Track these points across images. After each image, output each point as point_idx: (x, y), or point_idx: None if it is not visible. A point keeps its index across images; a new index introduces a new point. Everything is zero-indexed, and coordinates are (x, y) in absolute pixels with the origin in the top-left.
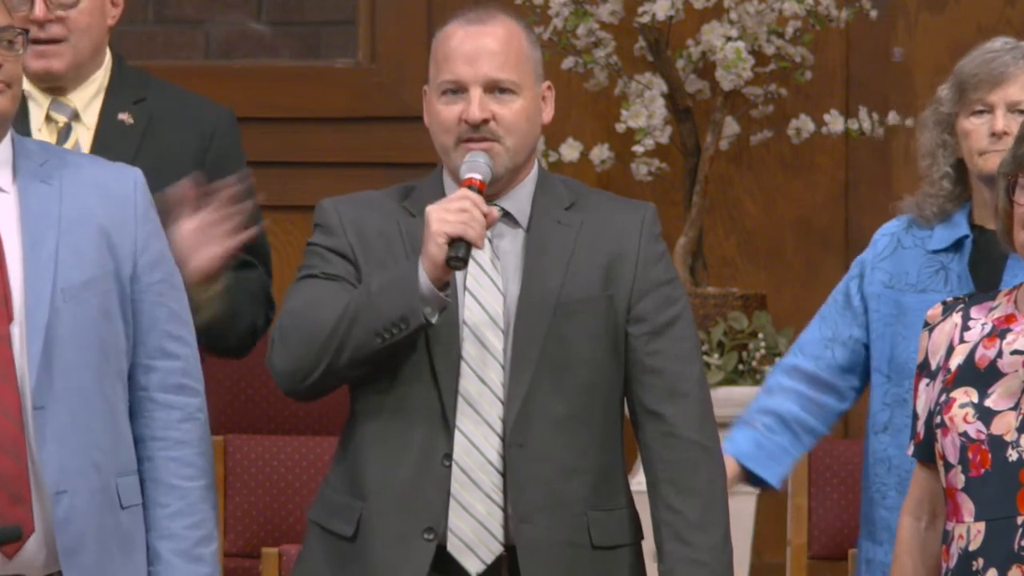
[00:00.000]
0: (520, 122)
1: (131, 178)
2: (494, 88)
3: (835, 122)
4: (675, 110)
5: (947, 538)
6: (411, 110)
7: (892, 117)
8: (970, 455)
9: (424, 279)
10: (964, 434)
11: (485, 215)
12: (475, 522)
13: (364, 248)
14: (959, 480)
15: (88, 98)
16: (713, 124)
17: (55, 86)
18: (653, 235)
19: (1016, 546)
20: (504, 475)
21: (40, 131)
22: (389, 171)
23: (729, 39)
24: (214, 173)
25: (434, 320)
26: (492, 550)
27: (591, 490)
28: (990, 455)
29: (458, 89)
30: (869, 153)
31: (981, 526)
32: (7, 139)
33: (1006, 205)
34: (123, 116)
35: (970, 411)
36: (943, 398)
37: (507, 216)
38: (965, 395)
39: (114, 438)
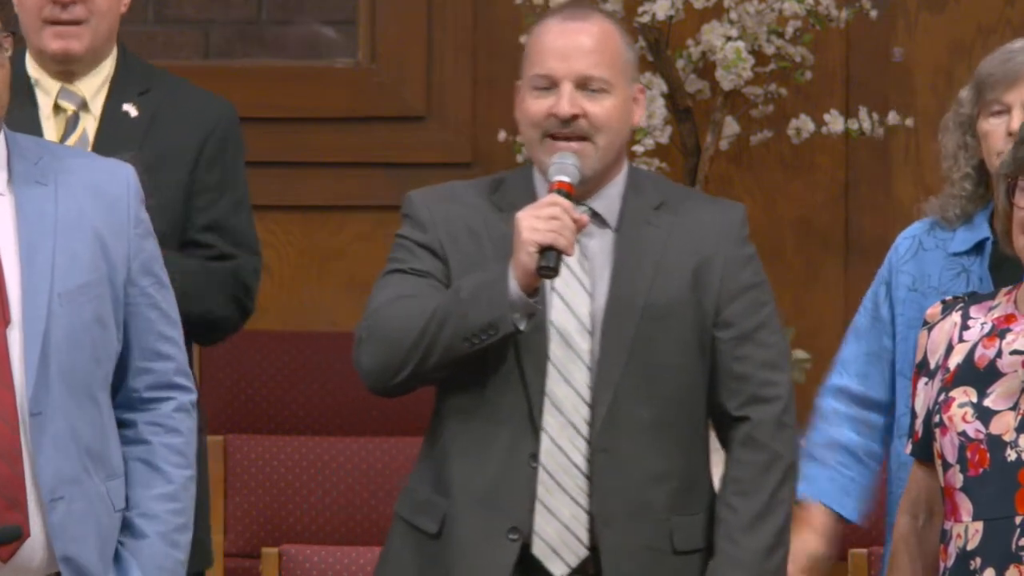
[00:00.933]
0: (611, 121)
1: (123, 177)
2: (586, 85)
3: (835, 122)
4: (675, 110)
5: (945, 537)
6: (411, 110)
7: (892, 117)
8: (969, 455)
9: (514, 286)
10: (963, 433)
11: (575, 221)
12: (560, 525)
13: (453, 245)
14: (958, 479)
15: (96, 87)
16: (713, 124)
17: (68, 70)
18: (742, 237)
19: (1014, 546)
20: (589, 478)
21: (48, 120)
22: (389, 171)
23: (729, 39)
24: (210, 166)
25: (523, 327)
26: (577, 553)
27: (675, 495)
28: (989, 455)
29: (549, 84)
30: (869, 153)
31: (979, 526)
32: (0, 139)
33: (1006, 207)
34: (128, 107)
35: (969, 411)
36: (942, 397)
37: (596, 216)
38: (964, 394)
39: (103, 443)
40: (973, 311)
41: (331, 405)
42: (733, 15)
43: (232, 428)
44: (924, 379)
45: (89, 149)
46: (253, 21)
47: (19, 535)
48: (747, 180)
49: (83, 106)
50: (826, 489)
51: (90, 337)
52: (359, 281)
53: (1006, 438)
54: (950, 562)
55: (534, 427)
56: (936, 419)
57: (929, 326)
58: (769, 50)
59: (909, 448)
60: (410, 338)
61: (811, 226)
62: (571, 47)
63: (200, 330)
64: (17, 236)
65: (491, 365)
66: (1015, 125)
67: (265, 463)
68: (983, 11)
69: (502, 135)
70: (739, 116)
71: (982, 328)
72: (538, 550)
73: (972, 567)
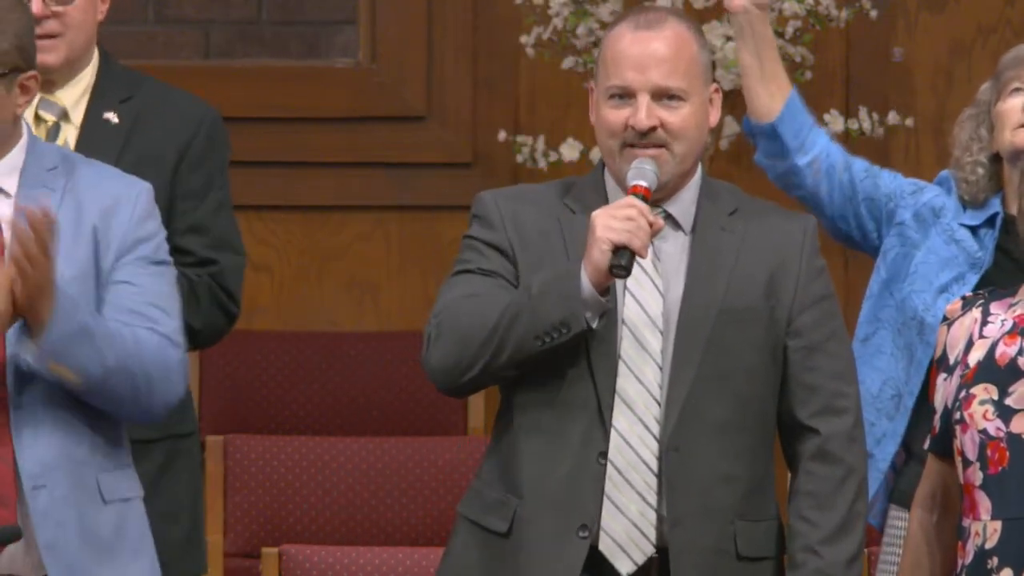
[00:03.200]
0: (688, 129)
1: (136, 188)
2: (662, 95)
3: (835, 122)
4: None
5: (964, 534)
6: (411, 110)
7: (892, 117)
8: (989, 452)
9: (586, 284)
10: (983, 431)
11: (651, 224)
12: (628, 522)
13: (523, 245)
14: (977, 477)
15: (76, 96)
16: None
17: (46, 79)
18: (814, 249)
19: None
20: (659, 477)
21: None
22: (389, 171)
23: (729, 39)
24: (193, 169)
25: (595, 325)
26: (644, 551)
27: (742, 498)
28: (1008, 453)
29: (625, 94)
30: (869, 153)
31: (997, 525)
32: (21, 145)
33: None
34: (108, 115)
35: (990, 408)
36: (963, 394)
37: (670, 219)
38: (985, 392)
39: (97, 434)
40: (994, 307)
41: (331, 405)
42: None
43: (232, 428)
44: (943, 374)
45: (72, 148)
46: (253, 21)
47: (19, 535)
48: (747, 180)
49: (64, 116)
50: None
51: None
52: (359, 281)
53: None
54: (968, 559)
55: (604, 424)
56: (957, 416)
57: (949, 322)
58: None
59: (927, 443)
60: (481, 335)
61: None
62: (647, 57)
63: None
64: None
65: (561, 363)
66: None
67: (265, 463)
68: (983, 11)
69: (502, 135)
70: (739, 116)
71: (1002, 325)
72: (605, 547)
73: (989, 566)
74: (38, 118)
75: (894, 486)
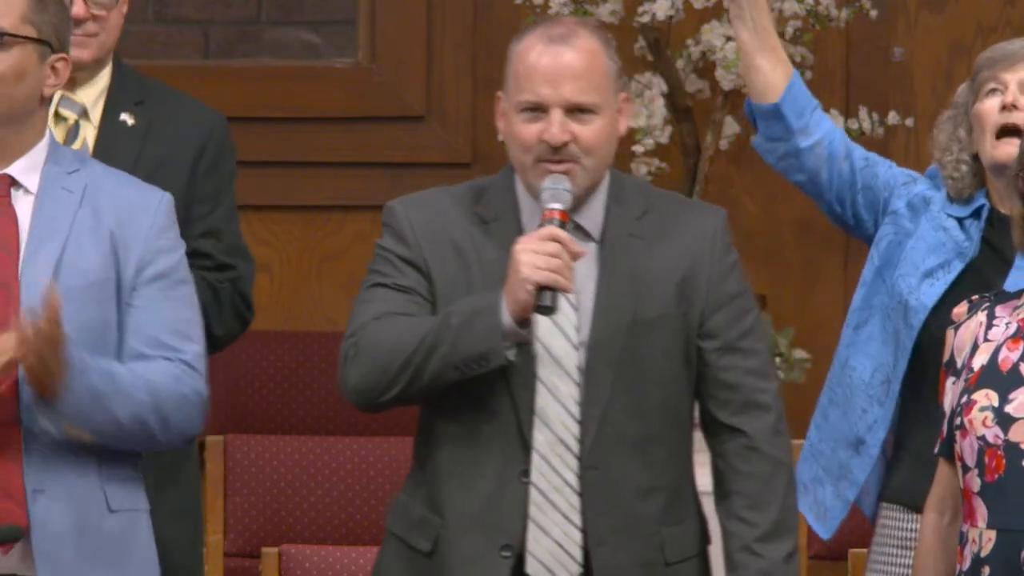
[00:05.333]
0: (600, 143)
1: (157, 197)
2: (575, 110)
3: (835, 122)
4: (675, 110)
5: (963, 540)
6: (411, 110)
7: (892, 117)
8: (987, 460)
9: (507, 318)
10: (982, 438)
11: (573, 254)
12: (553, 543)
13: (438, 262)
14: (975, 484)
15: (95, 96)
16: (713, 124)
17: (71, 78)
18: (725, 245)
19: (1021, 560)
20: (581, 496)
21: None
22: (389, 171)
23: (729, 39)
24: (207, 175)
25: (512, 357)
26: (570, 571)
27: (664, 508)
28: (1005, 461)
29: (538, 109)
30: None
31: (992, 534)
32: (43, 144)
33: (1021, 209)
34: (125, 116)
35: (989, 415)
36: (964, 399)
37: (579, 229)
38: (986, 398)
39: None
40: (999, 310)
41: (331, 405)
42: None
43: (232, 428)
44: (951, 378)
45: (91, 146)
46: (253, 21)
47: (19, 535)
48: (747, 180)
49: (84, 114)
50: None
51: (91, 337)
52: (359, 281)
53: None
54: (965, 565)
55: (524, 442)
56: (957, 421)
57: (955, 325)
58: None
59: (937, 447)
60: (399, 361)
61: (811, 226)
62: (560, 72)
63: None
64: (29, 234)
65: (479, 383)
66: (1009, 98)
67: (265, 463)
68: (983, 11)
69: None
70: (739, 116)
71: (1007, 328)
72: (532, 568)
73: (983, 574)
74: (59, 116)
75: (885, 483)
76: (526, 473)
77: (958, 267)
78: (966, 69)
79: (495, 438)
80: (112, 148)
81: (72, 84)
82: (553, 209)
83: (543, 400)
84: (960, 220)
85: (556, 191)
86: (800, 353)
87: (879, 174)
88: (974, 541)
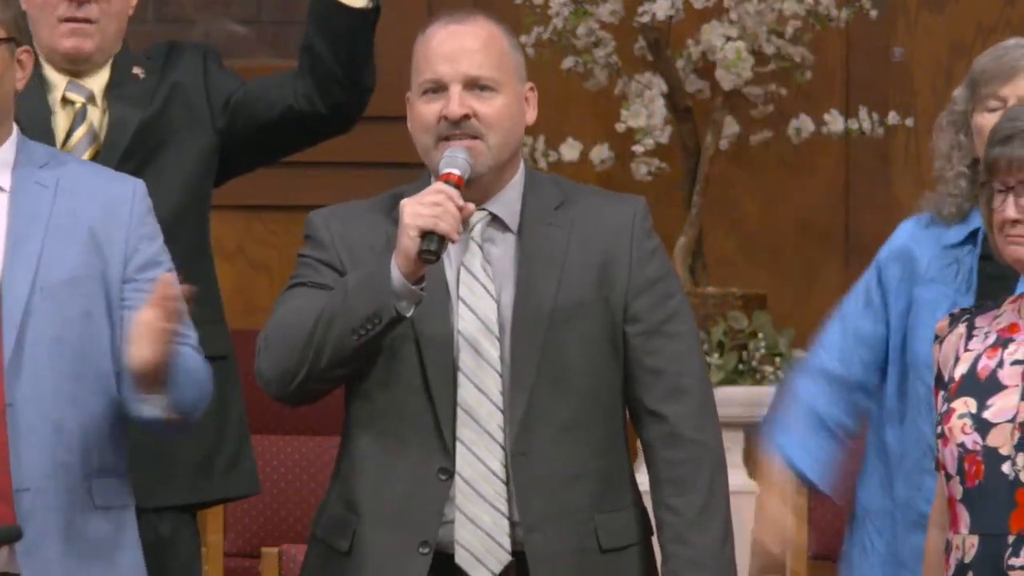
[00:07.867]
0: (502, 119)
1: (131, 185)
2: (474, 85)
3: (835, 122)
4: (675, 110)
5: (948, 548)
6: None
7: (892, 117)
8: (967, 466)
9: (396, 274)
10: (961, 445)
11: (460, 209)
12: (482, 533)
13: (353, 262)
14: (957, 491)
15: (103, 83)
16: (713, 124)
17: (75, 69)
18: (645, 231)
19: (1004, 564)
20: (507, 484)
21: (56, 112)
22: (389, 171)
23: (729, 39)
24: (218, 76)
25: (408, 314)
26: (500, 560)
27: (597, 494)
28: (984, 467)
29: (438, 88)
30: (869, 153)
31: (975, 540)
32: (11, 140)
33: (988, 215)
34: (137, 70)
35: (968, 422)
36: (944, 408)
37: (496, 220)
38: (964, 405)
39: (90, 439)
40: (979, 321)
41: (331, 405)
42: (733, 15)
43: None
44: (942, 392)
45: (98, 130)
46: (253, 21)
47: (19, 535)
48: (747, 180)
49: (91, 99)
50: (794, 453)
51: (76, 332)
52: None
53: (1003, 452)
54: (950, 573)
55: (442, 438)
56: (938, 430)
57: (940, 339)
58: (769, 50)
59: (933, 462)
60: (302, 339)
61: (811, 226)
62: (457, 49)
63: None
64: (7, 230)
65: (397, 376)
66: None
67: (265, 463)
68: (983, 11)
69: None
70: (739, 116)
71: (986, 337)
72: (461, 559)
73: None
74: (65, 100)
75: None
76: (445, 471)
77: (966, 302)
78: (966, 69)
79: (413, 435)
80: (124, 99)
81: (79, 74)
82: (447, 173)
83: (465, 393)
84: (956, 255)
85: (452, 158)
86: (800, 353)
87: (867, 338)
88: (958, 548)
